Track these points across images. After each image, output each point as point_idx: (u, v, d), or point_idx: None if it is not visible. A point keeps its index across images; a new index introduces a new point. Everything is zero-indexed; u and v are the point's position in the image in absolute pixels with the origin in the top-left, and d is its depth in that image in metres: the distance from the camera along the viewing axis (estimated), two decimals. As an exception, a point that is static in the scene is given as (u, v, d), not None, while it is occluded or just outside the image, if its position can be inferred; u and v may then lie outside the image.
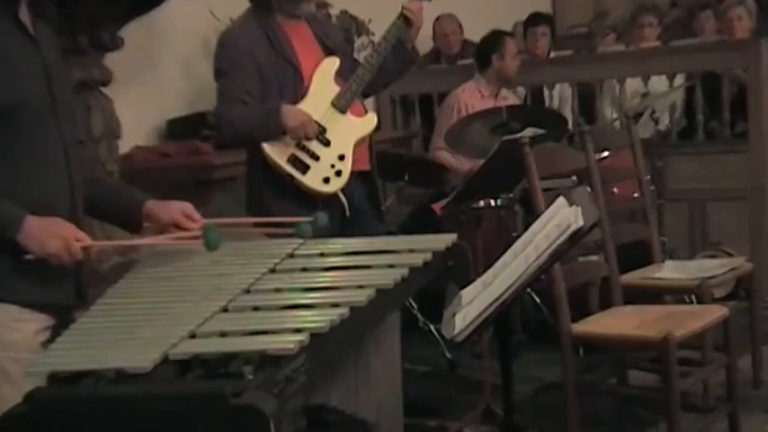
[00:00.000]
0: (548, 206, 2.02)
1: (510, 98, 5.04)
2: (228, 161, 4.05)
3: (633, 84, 5.36)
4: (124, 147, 4.13)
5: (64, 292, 1.98)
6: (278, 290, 1.89)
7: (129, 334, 1.69)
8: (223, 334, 1.67)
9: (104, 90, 3.91)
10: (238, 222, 2.37)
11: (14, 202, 1.88)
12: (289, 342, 1.58)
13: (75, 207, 2.01)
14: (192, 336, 1.67)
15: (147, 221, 2.15)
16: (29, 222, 1.86)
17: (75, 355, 1.64)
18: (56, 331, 1.93)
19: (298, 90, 3.20)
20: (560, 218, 1.95)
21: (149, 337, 1.65)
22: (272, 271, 2.01)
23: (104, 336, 1.71)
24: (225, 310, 1.80)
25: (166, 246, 2.08)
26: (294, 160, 3.16)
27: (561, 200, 2.00)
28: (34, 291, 1.91)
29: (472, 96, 4.86)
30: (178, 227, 2.11)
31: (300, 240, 2.18)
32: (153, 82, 4.52)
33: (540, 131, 3.93)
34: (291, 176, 3.15)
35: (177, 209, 2.13)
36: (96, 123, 3.82)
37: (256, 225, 2.55)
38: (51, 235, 1.86)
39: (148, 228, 2.17)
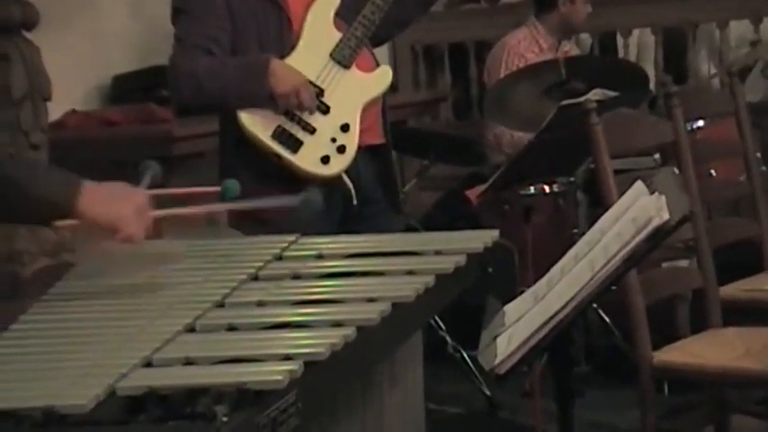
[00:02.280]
0: (621, 194, 2.02)
1: (573, 50, 5.03)
2: (194, 132, 4.06)
3: (739, 28, 5.35)
4: (55, 111, 4.14)
5: None
6: (261, 303, 1.90)
7: (61, 362, 1.70)
8: (188, 362, 1.67)
9: (28, 35, 3.92)
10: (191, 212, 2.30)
11: None
12: (275, 373, 1.58)
13: None
14: (147, 364, 1.67)
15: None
16: (88, 187, 1.91)
17: (-9, 389, 1.65)
18: None
19: (284, 38, 3.19)
20: (638, 210, 1.95)
21: (89, 366, 1.65)
22: (254, 278, 2.02)
23: (27, 365, 1.71)
24: (191, 329, 1.80)
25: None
26: (282, 134, 3.15)
27: (640, 185, 2.00)
28: None
29: (529, 49, 4.84)
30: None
31: (290, 237, 2.19)
32: (93, 24, 4.53)
33: (612, 93, 3.92)
34: (278, 156, 3.15)
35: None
36: (17, 80, 3.82)
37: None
38: (118, 198, 1.92)
39: (62, 226, 2.13)
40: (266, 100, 3.11)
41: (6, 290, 3.42)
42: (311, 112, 3.14)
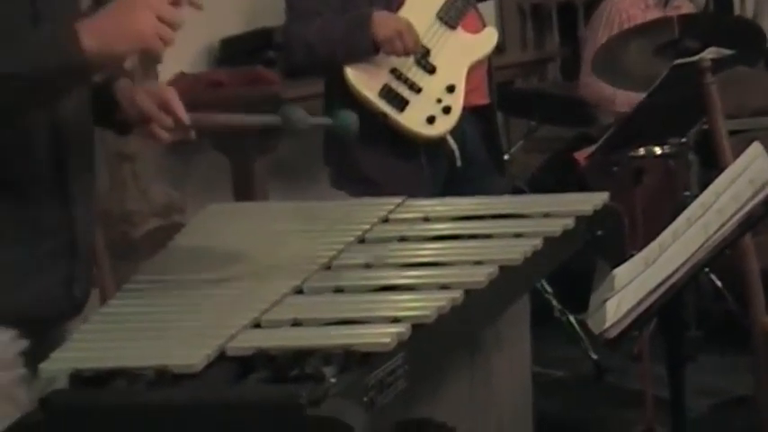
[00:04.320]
0: (736, 155, 1.99)
1: (684, 6, 4.93)
2: (301, 93, 4.08)
3: None
4: (165, 74, 4.20)
5: (42, 300, 1.79)
6: (368, 266, 1.90)
7: (172, 323, 1.73)
8: (296, 323, 1.68)
9: (138, 0, 3.98)
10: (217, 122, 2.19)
11: None
12: (383, 335, 1.59)
13: (63, 165, 1.79)
14: (256, 325, 1.69)
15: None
16: (89, 22, 1.64)
17: (104, 348, 1.68)
18: (39, 341, 1.78)
19: (392, -1, 3.20)
20: (755, 171, 1.92)
21: (199, 327, 1.68)
22: (361, 241, 2.03)
23: (140, 325, 1.74)
24: (299, 291, 1.81)
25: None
26: (388, 93, 3.16)
27: (757, 146, 1.97)
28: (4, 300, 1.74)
29: (634, 5, 4.77)
30: (149, 122, 1.89)
31: (397, 200, 2.19)
32: (202, -12, 4.57)
33: (727, 52, 3.83)
34: (384, 114, 3.16)
35: (149, 96, 1.89)
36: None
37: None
38: (129, 8, 1.63)
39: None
40: (371, 50, 3.13)
41: (119, 250, 3.49)
42: (414, 53, 3.12)
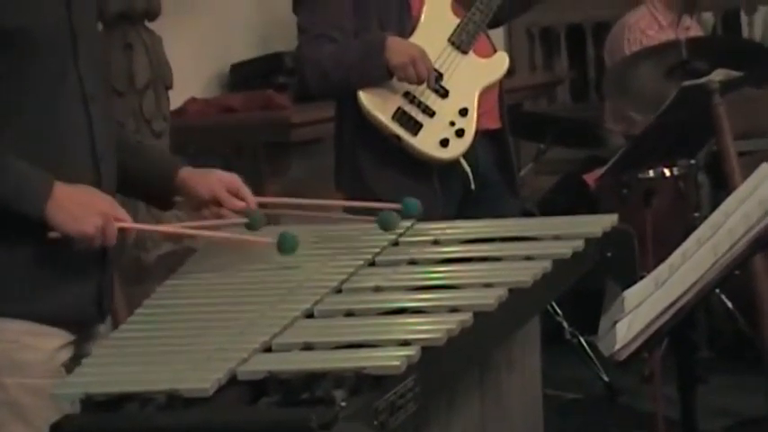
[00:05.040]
0: (745, 176, 1.98)
1: (693, 28, 4.93)
2: (312, 117, 4.10)
3: None
4: (176, 99, 4.22)
5: (80, 303, 1.97)
6: (378, 289, 1.90)
7: (183, 347, 1.73)
8: (307, 347, 1.69)
9: (150, 25, 4.00)
10: (303, 205, 2.35)
11: None
12: (393, 358, 1.59)
13: (101, 181, 1.99)
14: (267, 349, 1.69)
15: (180, 195, 2.14)
16: (60, 190, 1.87)
17: (116, 373, 1.68)
18: (80, 348, 1.97)
19: (404, 23, 3.21)
20: (764, 192, 1.91)
21: (210, 351, 1.68)
22: (371, 264, 2.03)
23: (152, 349, 1.75)
24: (309, 315, 1.82)
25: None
26: (402, 116, 3.17)
27: (766, 167, 1.96)
28: (46, 301, 1.92)
29: (649, 26, 4.77)
30: (219, 205, 2.11)
31: (407, 223, 2.19)
32: (213, 14, 4.60)
33: (736, 73, 3.84)
34: (398, 137, 3.17)
35: (219, 181, 2.12)
36: (140, 68, 3.90)
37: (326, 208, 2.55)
38: (89, 209, 1.87)
39: (181, 203, 2.17)
40: (385, 75, 3.13)
41: (131, 275, 3.50)
42: (429, 85, 3.14)
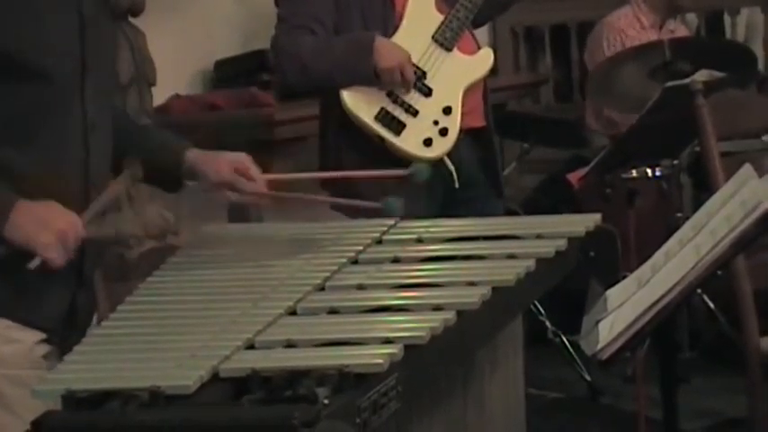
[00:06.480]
0: (728, 177, 1.99)
1: (678, 31, 4.94)
2: (296, 115, 4.09)
3: None
4: (159, 96, 4.21)
5: (50, 315, 1.95)
6: (361, 287, 1.91)
7: (166, 344, 1.73)
8: (290, 344, 1.69)
9: (134, 21, 3.99)
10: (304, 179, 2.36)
11: None
12: (376, 356, 1.59)
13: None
14: (250, 346, 1.69)
15: (189, 179, 2.15)
16: (20, 209, 1.86)
17: (98, 369, 1.68)
18: (60, 345, 1.94)
19: (387, 20, 3.20)
20: (747, 193, 1.92)
21: (193, 349, 1.68)
22: (354, 262, 2.03)
23: (134, 346, 1.75)
24: (292, 312, 1.82)
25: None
26: (385, 116, 3.16)
27: (748, 168, 1.97)
28: (20, 306, 1.91)
29: (629, 26, 4.77)
30: (230, 188, 2.12)
31: (390, 221, 2.19)
32: (198, 11, 4.59)
33: (719, 74, 3.85)
34: (381, 138, 3.16)
35: (228, 164, 2.12)
36: (124, 65, 3.89)
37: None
38: (44, 226, 1.85)
39: (192, 188, 2.18)
40: (371, 77, 3.12)
41: (113, 271, 3.49)
42: (407, 91, 3.14)
